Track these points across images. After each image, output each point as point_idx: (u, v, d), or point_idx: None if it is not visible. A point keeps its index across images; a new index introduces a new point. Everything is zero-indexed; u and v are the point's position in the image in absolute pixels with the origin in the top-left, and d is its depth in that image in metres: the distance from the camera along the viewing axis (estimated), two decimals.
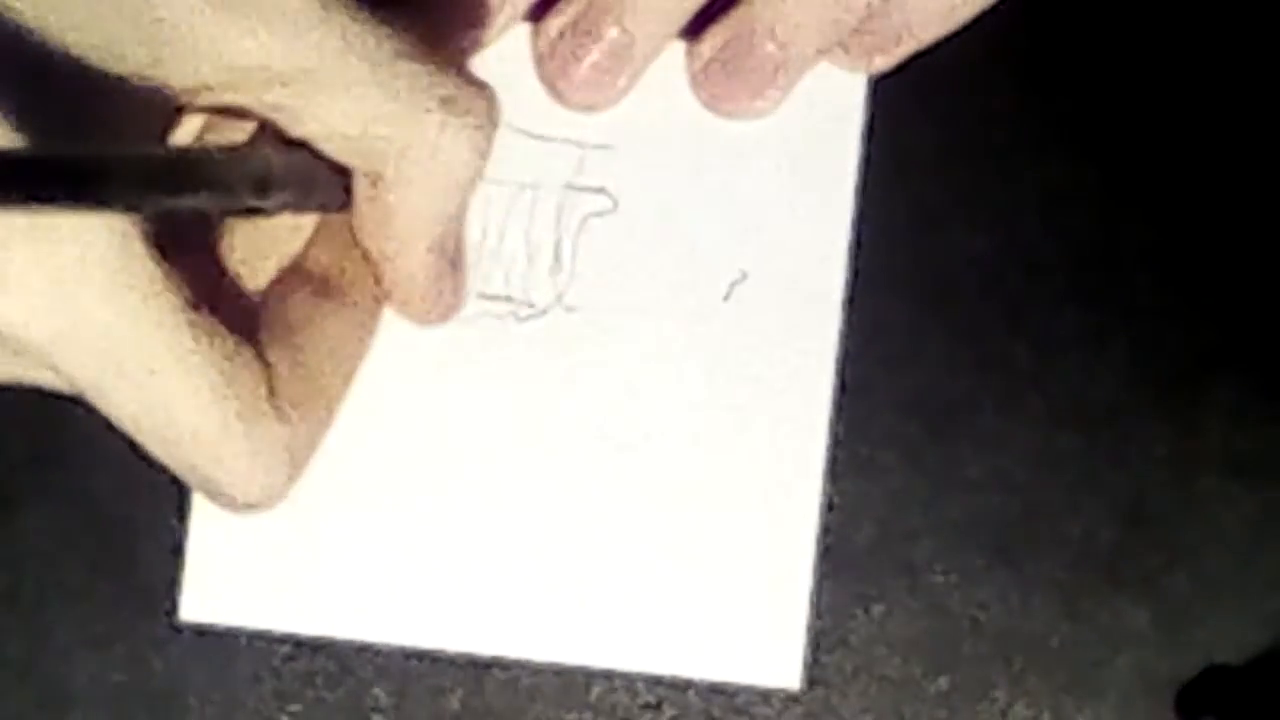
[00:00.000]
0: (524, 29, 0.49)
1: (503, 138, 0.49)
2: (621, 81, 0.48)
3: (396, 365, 0.49)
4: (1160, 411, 0.51)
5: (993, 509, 0.51)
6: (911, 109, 0.50)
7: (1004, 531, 0.51)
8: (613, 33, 0.48)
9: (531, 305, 0.49)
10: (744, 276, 0.49)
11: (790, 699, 0.50)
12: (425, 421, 0.49)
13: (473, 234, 0.49)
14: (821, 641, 0.50)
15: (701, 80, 0.49)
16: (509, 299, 0.49)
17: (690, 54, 0.49)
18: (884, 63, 0.49)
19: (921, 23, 0.48)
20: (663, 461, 0.49)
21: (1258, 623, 0.51)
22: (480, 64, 0.49)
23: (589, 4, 0.48)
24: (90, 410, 0.50)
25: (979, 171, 0.51)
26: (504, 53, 0.49)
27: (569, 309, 0.49)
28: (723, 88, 0.49)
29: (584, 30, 0.48)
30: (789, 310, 0.49)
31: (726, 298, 0.49)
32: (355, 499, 0.49)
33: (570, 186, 0.49)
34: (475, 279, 0.49)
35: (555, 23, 0.48)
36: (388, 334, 0.49)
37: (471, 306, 0.49)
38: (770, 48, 0.48)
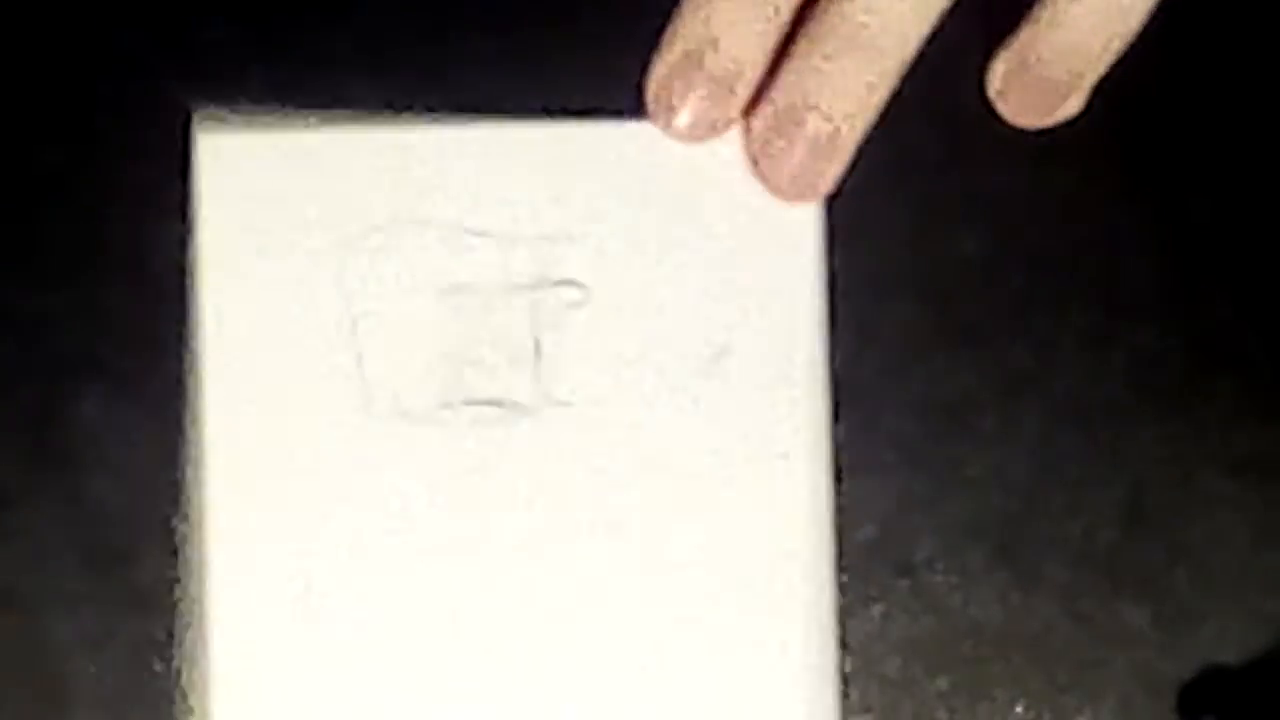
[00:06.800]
0: (473, 132, 0.49)
1: (467, 243, 0.49)
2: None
3: (392, 483, 0.49)
4: (1160, 411, 0.51)
5: (993, 509, 0.51)
6: (911, 109, 0.50)
7: (1004, 531, 0.51)
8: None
9: (519, 405, 0.49)
10: (725, 350, 0.49)
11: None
12: (426, 534, 0.49)
13: (450, 343, 0.49)
14: None
15: (754, 163, 0.48)
16: (496, 403, 0.49)
17: (743, 134, 0.48)
18: (1072, 105, 0.48)
19: (1087, 43, 0.47)
20: (662, 547, 0.49)
21: (1258, 623, 0.51)
22: (438, 170, 0.49)
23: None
24: (90, 410, 0.50)
25: (979, 171, 0.51)
26: (459, 156, 0.49)
27: (556, 404, 0.49)
28: (777, 168, 0.48)
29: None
30: (772, 379, 0.49)
31: (708, 374, 0.49)
32: (357, 620, 0.49)
33: (541, 282, 0.49)
34: (459, 388, 0.49)
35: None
36: (378, 454, 0.49)
37: (459, 415, 0.49)
38: (818, 121, 0.47)
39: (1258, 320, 0.51)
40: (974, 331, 0.51)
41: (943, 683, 0.51)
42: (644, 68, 0.48)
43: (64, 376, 0.50)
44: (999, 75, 0.48)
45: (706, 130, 0.48)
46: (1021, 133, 0.50)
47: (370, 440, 0.48)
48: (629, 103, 0.49)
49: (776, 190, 0.48)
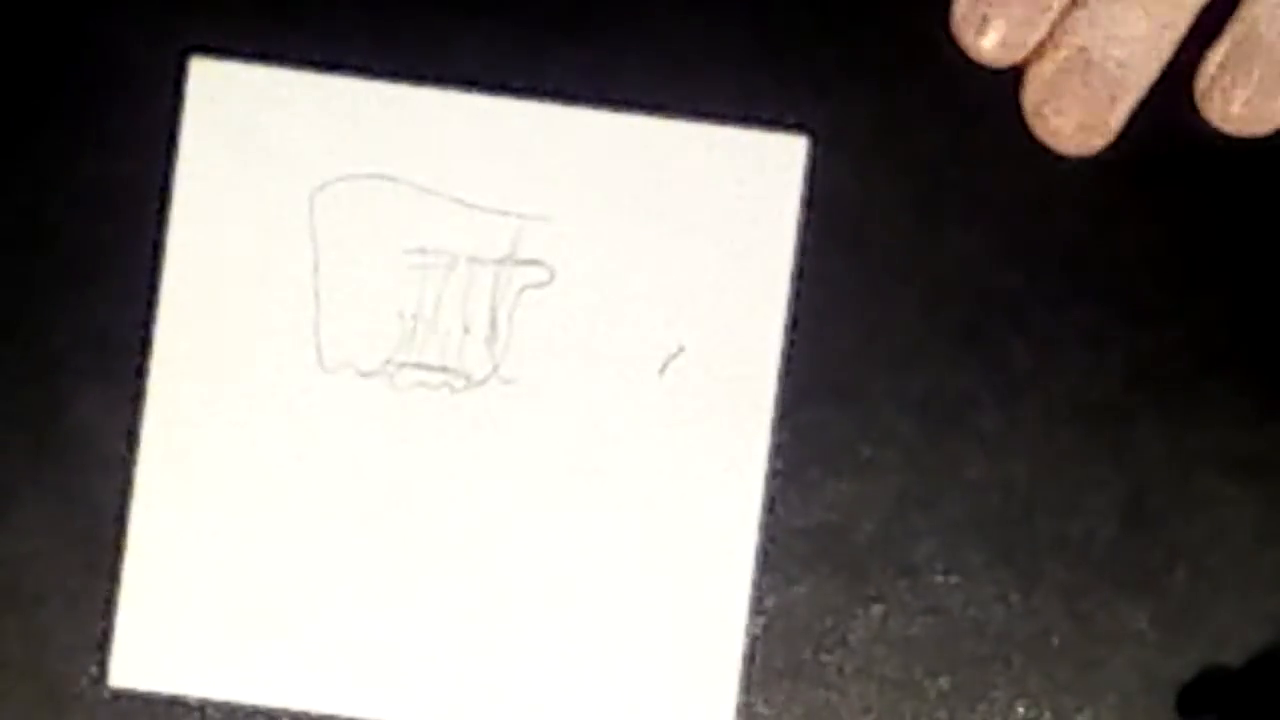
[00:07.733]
0: (462, 99, 0.49)
1: (440, 207, 0.49)
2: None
3: (332, 435, 0.49)
4: (1160, 411, 0.51)
5: (993, 509, 0.51)
6: (912, 108, 0.50)
7: (1004, 531, 0.51)
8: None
9: (467, 377, 0.49)
10: (680, 350, 0.49)
11: (789, 699, 0.50)
12: (360, 491, 0.49)
13: (408, 304, 0.49)
14: (822, 641, 0.50)
15: (1038, 111, 0.47)
16: (445, 369, 0.49)
17: (1026, 79, 0.47)
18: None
19: None
20: (596, 535, 0.49)
21: (1258, 623, 0.51)
22: (422, 131, 0.49)
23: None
24: (88, 409, 0.50)
25: (979, 171, 0.51)
26: (444, 121, 0.49)
27: (505, 381, 0.49)
28: (1065, 115, 0.47)
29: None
30: (724, 386, 0.49)
31: (662, 371, 0.49)
32: (290, 567, 0.49)
33: (508, 258, 0.49)
34: (411, 349, 0.49)
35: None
36: (323, 404, 0.49)
37: (407, 377, 0.49)
38: (1108, 67, 0.46)
39: (1258, 320, 0.51)
40: (974, 331, 0.51)
41: (943, 683, 0.51)
42: (645, 63, 0.48)
43: (62, 376, 0.50)
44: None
45: (1012, 53, 0.46)
46: (1021, 132, 0.50)
47: (316, 387, 0.49)
48: (624, 94, 0.49)
49: (1059, 138, 0.47)
